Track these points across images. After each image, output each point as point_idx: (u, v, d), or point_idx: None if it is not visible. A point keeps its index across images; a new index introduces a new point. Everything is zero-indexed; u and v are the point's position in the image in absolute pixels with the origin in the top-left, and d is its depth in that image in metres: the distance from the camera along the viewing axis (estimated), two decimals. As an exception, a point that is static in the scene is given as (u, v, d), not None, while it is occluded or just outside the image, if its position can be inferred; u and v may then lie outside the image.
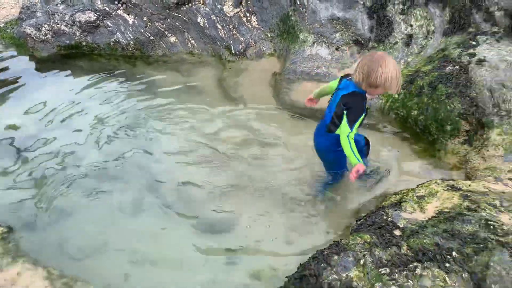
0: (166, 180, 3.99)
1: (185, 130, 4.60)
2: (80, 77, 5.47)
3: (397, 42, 4.78)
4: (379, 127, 4.43)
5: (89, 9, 5.62)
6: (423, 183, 3.06)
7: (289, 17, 5.45)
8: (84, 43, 5.76)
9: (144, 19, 5.65)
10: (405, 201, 2.82)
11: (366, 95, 2.94)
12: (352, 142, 2.82)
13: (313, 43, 5.25)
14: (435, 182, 3.01)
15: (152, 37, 5.73)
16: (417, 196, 2.86)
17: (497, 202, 2.69)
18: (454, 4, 4.44)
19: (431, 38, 4.62)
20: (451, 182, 2.97)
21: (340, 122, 2.92)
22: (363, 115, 2.96)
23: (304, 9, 5.24)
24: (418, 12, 4.68)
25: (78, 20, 5.62)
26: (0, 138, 4.45)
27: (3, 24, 5.97)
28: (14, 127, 4.58)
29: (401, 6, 4.74)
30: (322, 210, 3.54)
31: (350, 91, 2.95)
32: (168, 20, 5.67)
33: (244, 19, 5.69)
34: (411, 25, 4.71)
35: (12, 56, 5.66)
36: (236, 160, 4.14)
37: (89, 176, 4.06)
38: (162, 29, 5.71)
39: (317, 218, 3.47)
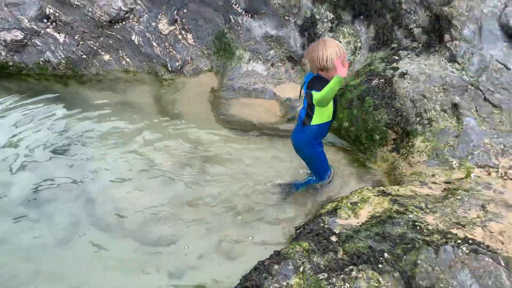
0: (102, 202, 3.88)
1: (121, 150, 4.49)
2: (7, 99, 5.19)
3: (328, 58, 5.02)
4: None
5: (15, 28, 5.37)
6: (356, 190, 3.23)
7: (224, 35, 5.55)
8: (10, 63, 5.48)
9: (76, 37, 5.49)
10: (340, 208, 2.95)
11: (326, 77, 3.02)
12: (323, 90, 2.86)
13: (249, 60, 5.38)
14: (367, 188, 3.18)
15: (84, 56, 5.58)
16: (351, 203, 3.01)
17: (423, 205, 2.89)
18: (377, 22, 4.75)
19: (358, 53, 4.90)
20: (382, 188, 3.16)
21: (313, 112, 3.09)
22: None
23: (238, 27, 5.37)
24: (345, 30, 4.95)
25: (3, 39, 5.35)
26: None
27: None
28: None
29: (329, 24, 5.00)
30: (267, 222, 3.60)
31: (310, 79, 3.12)
32: (101, 38, 5.56)
33: (180, 36, 5.71)
34: (340, 42, 4.97)
35: None
36: (176, 178, 4.11)
37: (19, 203, 3.85)
38: (95, 48, 5.58)
39: (261, 231, 3.52)
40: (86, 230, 3.63)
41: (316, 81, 3.05)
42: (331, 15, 4.98)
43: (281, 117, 4.90)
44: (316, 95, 2.93)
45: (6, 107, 5.05)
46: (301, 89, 3.29)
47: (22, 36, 5.39)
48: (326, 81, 2.97)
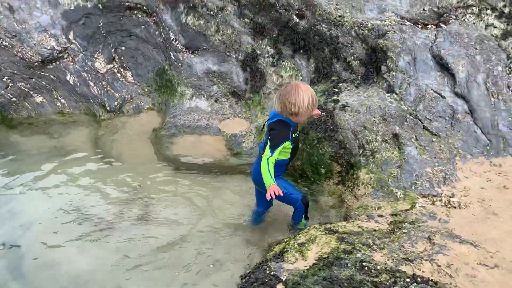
0: (35, 260, 3.50)
1: (54, 200, 4.14)
2: None
3: (270, 92, 4.99)
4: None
5: None
6: (303, 229, 3.11)
7: (165, 72, 5.41)
8: None
9: (5, 79, 5.15)
10: (287, 251, 2.81)
11: (294, 121, 3.08)
12: (271, 165, 2.95)
13: (192, 96, 5.26)
14: (314, 226, 3.07)
15: (14, 98, 5.23)
16: (298, 244, 2.87)
17: (370, 241, 2.81)
18: (317, 55, 4.80)
19: (300, 86, 4.91)
20: (328, 226, 3.06)
21: (265, 147, 3.08)
22: (288, 142, 3.09)
23: (179, 64, 5.26)
24: (286, 64, 4.97)
25: None
26: None
27: None
28: None
29: (271, 59, 5.00)
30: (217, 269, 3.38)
31: (274, 120, 3.13)
32: (33, 79, 5.24)
33: (119, 74, 5.51)
34: (282, 76, 4.98)
35: None
36: (117, 225, 3.82)
37: None
38: (26, 89, 5.26)
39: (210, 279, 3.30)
40: (11, 292, 3.25)
41: (279, 126, 3.10)
42: (272, 50, 4.99)
43: (226, 153, 4.76)
44: (265, 153, 3.03)
45: None
46: (264, 123, 3.29)
47: None
48: (284, 126, 3.08)
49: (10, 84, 5.17)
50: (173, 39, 5.23)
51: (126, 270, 3.32)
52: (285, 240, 3.12)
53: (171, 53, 5.29)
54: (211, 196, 4.18)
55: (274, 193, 2.86)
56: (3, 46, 5.04)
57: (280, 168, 3.31)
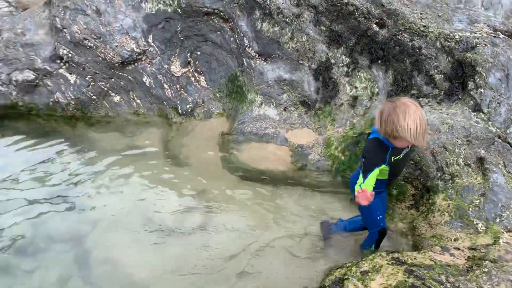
0: (99, 256, 3.62)
1: (122, 198, 4.27)
2: (14, 139, 5.11)
3: (342, 104, 4.77)
4: (327, 189, 4.29)
5: (28, 68, 5.37)
6: (368, 257, 2.87)
7: (237, 78, 5.40)
8: (21, 103, 5.45)
9: (87, 78, 5.45)
10: (347, 278, 2.60)
11: (393, 144, 2.70)
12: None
13: (261, 104, 5.18)
14: (380, 255, 2.82)
15: (94, 97, 5.51)
16: (360, 272, 2.66)
17: (443, 278, 2.52)
18: (396, 67, 4.50)
19: (375, 99, 4.64)
20: (396, 255, 2.80)
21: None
22: (383, 165, 2.72)
23: (251, 70, 5.21)
24: (362, 75, 4.72)
25: (14, 79, 5.34)
26: None
27: None
28: None
29: (345, 69, 4.78)
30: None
31: (371, 137, 2.79)
32: (113, 79, 5.49)
33: (192, 78, 5.60)
34: (356, 87, 4.74)
35: None
36: (178, 231, 3.83)
37: (14, 250, 3.64)
38: (106, 89, 5.51)
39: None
40: (76, 286, 3.36)
41: (374, 146, 2.74)
42: (347, 59, 4.77)
43: (291, 164, 4.62)
44: (357, 183, 2.68)
45: (11, 148, 4.95)
46: (367, 136, 2.96)
47: (34, 76, 5.38)
48: (379, 147, 2.71)
49: (92, 83, 5.46)
50: (247, 45, 5.20)
51: (181, 279, 3.31)
52: (347, 265, 2.91)
53: (244, 59, 5.27)
54: (273, 208, 4.07)
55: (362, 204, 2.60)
56: (88, 47, 5.32)
57: (380, 184, 2.95)
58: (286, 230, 3.75)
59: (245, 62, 5.26)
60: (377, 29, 4.53)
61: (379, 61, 4.62)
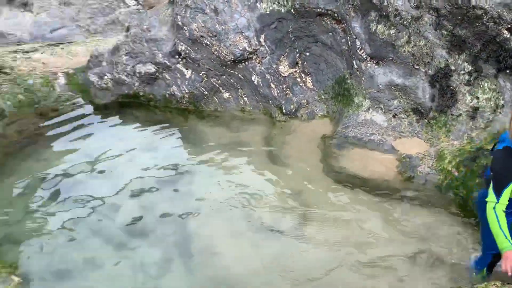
0: (199, 243, 3.79)
1: (226, 189, 4.43)
2: (133, 126, 5.60)
3: (460, 114, 4.39)
4: (435, 206, 3.99)
5: (150, 62, 5.83)
6: (480, 285, 2.59)
7: (345, 80, 5.28)
8: (141, 93, 5.95)
9: (201, 74, 5.75)
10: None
11: None
12: (501, 216, 2.31)
13: (368, 108, 5.00)
14: (495, 285, 2.53)
15: (206, 92, 5.79)
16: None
17: None
18: (528, 77, 4.02)
19: (500, 112, 4.19)
20: (515, 288, 2.49)
21: (489, 185, 2.42)
22: None
23: (361, 73, 5.05)
24: (486, 84, 4.29)
25: (138, 71, 5.84)
26: (46, 178, 4.56)
27: (72, 71, 6.36)
28: (61, 170, 4.69)
29: (467, 77, 4.39)
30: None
31: (501, 147, 2.42)
32: (224, 76, 5.72)
33: (299, 79, 5.60)
34: (478, 98, 4.33)
35: (76, 102, 5.95)
36: (273, 232, 3.84)
37: (121, 229, 3.98)
38: (217, 85, 5.77)
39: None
40: (176, 269, 3.56)
41: (501, 157, 2.39)
42: (469, 67, 4.37)
43: (397, 176, 4.38)
44: (489, 197, 2.37)
45: (130, 134, 5.43)
46: (494, 145, 2.63)
47: (155, 69, 5.83)
48: None
49: (205, 79, 5.75)
50: (358, 47, 5.04)
51: (276, 280, 3.32)
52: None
53: (354, 61, 5.13)
54: (375, 219, 3.89)
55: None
56: (204, 44, 5.61)
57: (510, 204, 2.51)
58: (390, 247, 3.54)
59: (355, 65, 5.11)
60: (508, 35, 4.07)
61: (508, 71, 4.16)
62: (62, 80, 6.17)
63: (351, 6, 5.05)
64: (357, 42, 5.04)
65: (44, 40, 9.71)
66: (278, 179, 4.58)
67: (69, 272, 3.49)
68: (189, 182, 4.60)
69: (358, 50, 5.06)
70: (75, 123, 5.55)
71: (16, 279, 3.18)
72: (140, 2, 12.90)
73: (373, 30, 4.89)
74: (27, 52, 6.74)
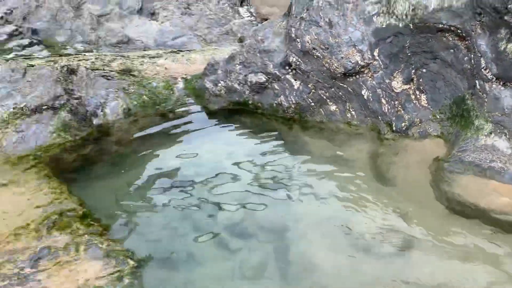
0: (296, 253, 3.81)
1: (327, 202, 4.40)
2: (240, 132, 5.82)
3: None
4: None
5: (261, 72, 6.03)
6: None
7: (464, 101, 4.91)
8: (250, 101, 6.17)
9: (309, 85, 5.78)
10: None
11: None
12: None
13: (490, 133, 4.59)
14: None
15: (313, 104, 5.81)
16: None
17: None
18: None
19: None
20: None
21: None
22: None
23: (484, 94, 4.66)
24: None
25: (249, 80, 6.07)
26: (160, 174, 4.93)
27: (190, 77, 6.83)
28: (173, 167, 5.04)
29: None
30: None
31: None
32: (332, 89, 5.69)
33: (413, 96, 5.35)
34: None
35: (190, 105, 6.37)
36: (376, 252, 3.70)
37: (223, 229, 4.14)
38: (325, 97, 5.75)
39: None
40: (272, 276, 3.61)
41: None
42: None
43: (520, 209, 3.95)
44: None
45: (237, 139, 5.65)
46: None
47: (265, 79, 6.01)
48: None
49: (313, 90, 5.77)
50: (483, 66, 4.67)
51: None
52: None
53: (476, 81, 4.75)
54: (492, 259, 3.54)
55: None
56: (315, 56, 5.64)
57: None
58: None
59: (477, 85, 4.74)
60: None
61: None
62: (180, 84, 6.66)
63: (478, 22, 4.70)
64: (482, 61, 4.67)
65: (166, 47, 10.59)
66: (382, 198, 4.42)
67: (174, 263, 3.73)
68: (289, 191, 4.64)
69: (482, 70, 4.68)
70: (189, 125, 5.93)
71: (131, 262, 3.49)
72: (254, 14, 13.46)
73: (502, 48, 4.50)
74: (153, 57, 7.41)
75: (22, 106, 5.30)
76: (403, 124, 5.27)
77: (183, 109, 6.27)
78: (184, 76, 6.90)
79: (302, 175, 4.85)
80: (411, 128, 5.25)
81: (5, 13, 10.08)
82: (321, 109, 5.82)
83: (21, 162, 4.81)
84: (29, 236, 3.75)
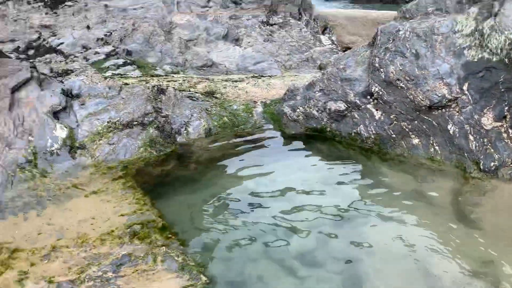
0: (370, 287, 3.67)
1: (403, 239, 4.19)
2: (316, 159, 5.80)
3: None
4: None
5: (341, 100, 6.01)
6: None
7: None
8: (328, 129, 6.15)
9: (391, 116, 5.65)
10: None
11: None
12: None
13: None
14: None
15: (394, 135, 5.65)
16: None
17: None
18: None
19: None
20: None
21: None
22: None
23: None
24: None
25: (328, 107, 6.07)
26: (234, 193, 5.04)
27: (269, 101, 6.99)
28: (247, 188, 5.13)
29: None
30: None
31: None
32: (416, 121, 5.50)
33: (505, 135, 5.01)
34: None
35: (267, 129, 6.49)
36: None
37: (293, 256, 4.11)
38: (407, 129, 5.57)
39: None
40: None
41: None
42: None
43: None
44: None
45: (312, 165, 5.63)
46: None
47: (344, 107, 5.97)
48: None
49: (394, 121, 5.63)
50: None
51: None
52: None
53: None
54: None
55: None
56: (399, 87, 5.52)
57: None
58: None
59: None
60: None
61: None
62: (259, 108, 6.83)
63: None
64: None
65: (247, 71, 10.98)
66: (464, 241, 4.13)
67: (244, 284, 3.76)
68: (364, 224, 4.50)
69: None
70: (266, 148, 6.04)
71: (203, 278, 3.59)
72: (335, 42, 13.51)
73: None
74: (235, 81, 7.71)
75: (115, 120, 5.75)
76: (492, 164, 4.93)
77: (260, 132, 6.41)
78: (264, 100, 7.08)
79: (379, 207, 4.70)
80: (501, 168, 4.90)
81: (105, 35, 11.11)
82: (402, 142, 5.64)
83: (110, 172, 5.19)
84: (113, 242, 4.01)
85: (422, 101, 5.33)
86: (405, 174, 5.27)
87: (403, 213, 4.58)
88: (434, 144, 5.42)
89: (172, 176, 5.38)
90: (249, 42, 12.37)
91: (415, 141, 5.56)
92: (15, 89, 5.55)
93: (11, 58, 6.90)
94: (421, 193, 4.92)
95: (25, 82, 5.67)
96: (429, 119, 5.40)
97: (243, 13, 13.36)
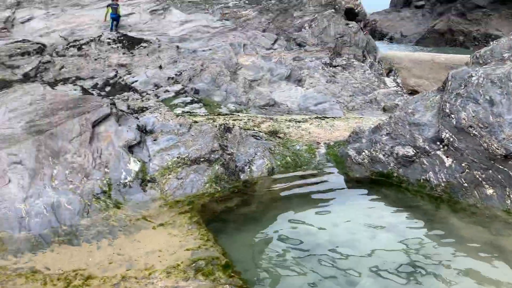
0: None
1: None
2: (381, 204, 5.64)
3: None
4: None
5: (409, 145, 5.87)
6: None
7: None
8: (395, 174, 5.98)
9: (463, 164, 5.41)
10: None
11: None
12: None
13: None
14: None
15: (466, 184, 5.39)
16: None
17: None
18: None
19: None
20: None
21: None
22: None
23: None
24: None
25: (396, 152, 5.94)
26: (295, 237, 4.96)
27: (333, 143, 6.97)
28: (309, 229, 5.06)
29: None
30: None
31: None
32: (490, 171, 5.23)
33: None
34: None
35: (330, 171, 6.44)
36: None
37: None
38: (480, 179, 5.30)
39: None
40: None
41: None
42: None
43: None
44: None
45: (378, 211, 5.47)
46: None
47: (413, 153, 5.81)
48: None
49: (466, 170, 5.39)
50: None
51: None
52: None
53: None
54: None
55: None
56: (472, 135, 5.32)
57: None
58: None
59: None
60: None
61: None
62: (322, 149, 6.82)
63: None
64: None
65: (308, 111, 11.06)
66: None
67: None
68: (436, 275, 4.27)
69: None
70: (329, 190, 5.97)
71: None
72: (400, 85, 13.33)
73: None
74: (298, 122, 7.80)
75: (184, 156, 6.00)
76: None
77: (323, 173, 6.36)
78: (327, 141, 7.08)
79: (450, 260, 4.44)
80: None
81: (176, 74, 11.75)
82: (475, 191, 5.36)
83: (177, 205, 5.37)
84: (178, 276, 4.10)
85: (497, 150, 5.09)
86: (478, 226, 4.98)
87: (477, 267, 4.30)
88: (511, 195, 5.10)
89: (235, 213, 5.46)
90: (311, 83, 12.53)
91: (489, 191, 5.26)
92: (95, 124, 6.00)
93: (93, 95, 7.49)
94: (496, 247, 4.61)
95: (105, 118, 6.11)
96: (505, 169, 5.12)
97: (306, 55, 13.64)
